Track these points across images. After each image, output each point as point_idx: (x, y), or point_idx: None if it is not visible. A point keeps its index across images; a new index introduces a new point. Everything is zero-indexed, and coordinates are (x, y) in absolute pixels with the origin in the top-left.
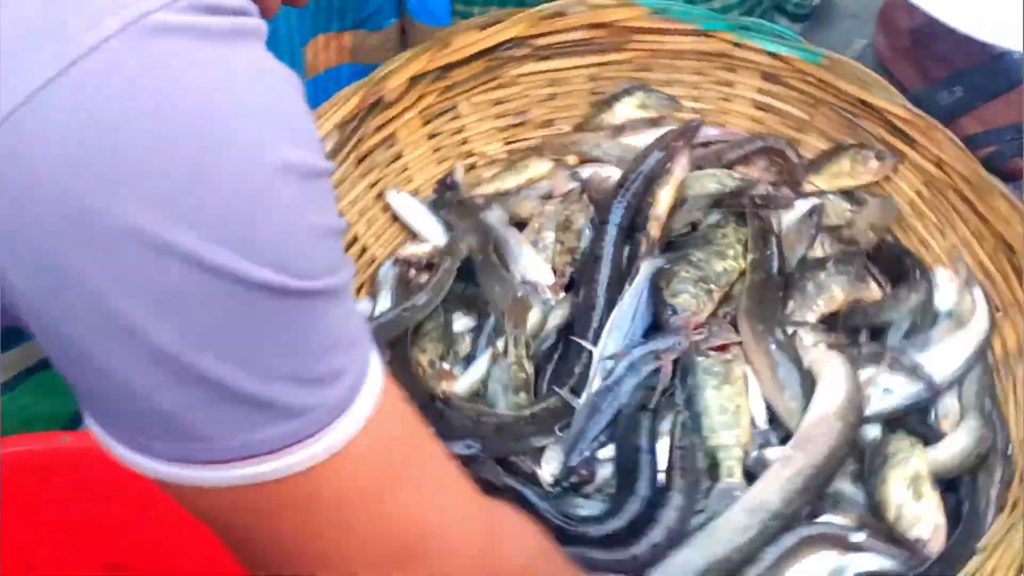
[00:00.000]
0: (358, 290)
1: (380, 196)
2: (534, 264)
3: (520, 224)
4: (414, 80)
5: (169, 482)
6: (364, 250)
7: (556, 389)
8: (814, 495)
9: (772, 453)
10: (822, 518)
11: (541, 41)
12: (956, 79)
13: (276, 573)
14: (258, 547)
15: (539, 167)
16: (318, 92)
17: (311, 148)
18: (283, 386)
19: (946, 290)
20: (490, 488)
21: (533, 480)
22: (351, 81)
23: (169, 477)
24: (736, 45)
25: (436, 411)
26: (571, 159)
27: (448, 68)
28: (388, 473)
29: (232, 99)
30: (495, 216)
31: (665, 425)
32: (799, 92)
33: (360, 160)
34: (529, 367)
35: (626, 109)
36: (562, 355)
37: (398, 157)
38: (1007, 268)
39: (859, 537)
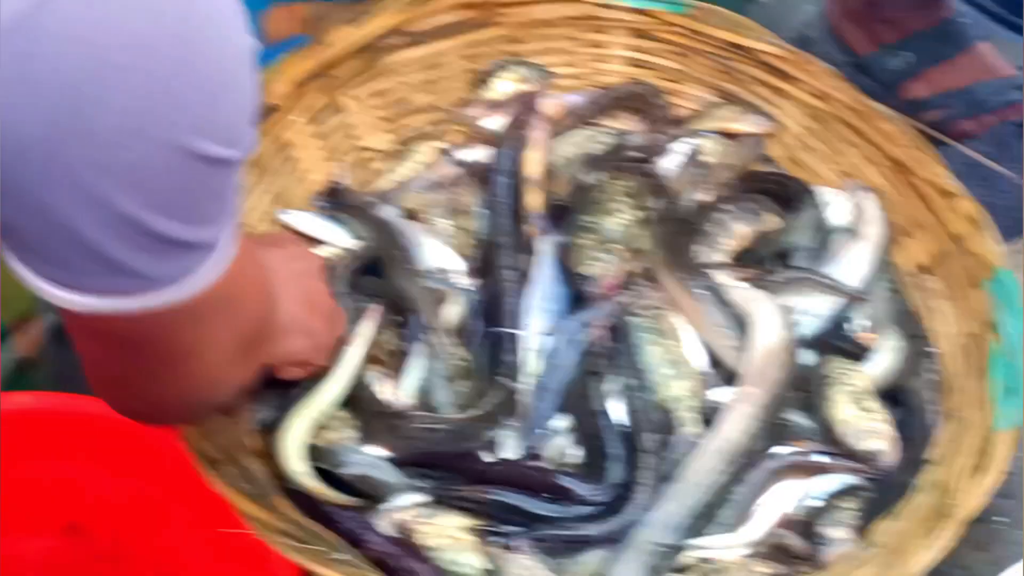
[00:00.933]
0: None
1: (280, 202)
2: (442, 253)
3: (412, 218)
4: (298, 82)
5: (96, 312)
6: None
7: (503, 381)
8: (773, 428)
9: (722, 395)
10: (778, 449)
11: (414, 27)
12: (905, 43)
13: (146, 385)
14: (146, 358)
15: (427, 152)
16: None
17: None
18: (203, 228)
19: (837, 205)
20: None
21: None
22: None
23: (97, 308)
24: (602, 6)
25: (388, 424)
26: (455, 138)
27: (329, 66)
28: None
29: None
30: (392, 212)
31: (613, 387)
32: (670, 44)
33: (255, 168)
34: (463, 353)
35: (504, 84)
36: (488, 346)
37: (292, 161)
38: (902, 186)
39: (820, 459)
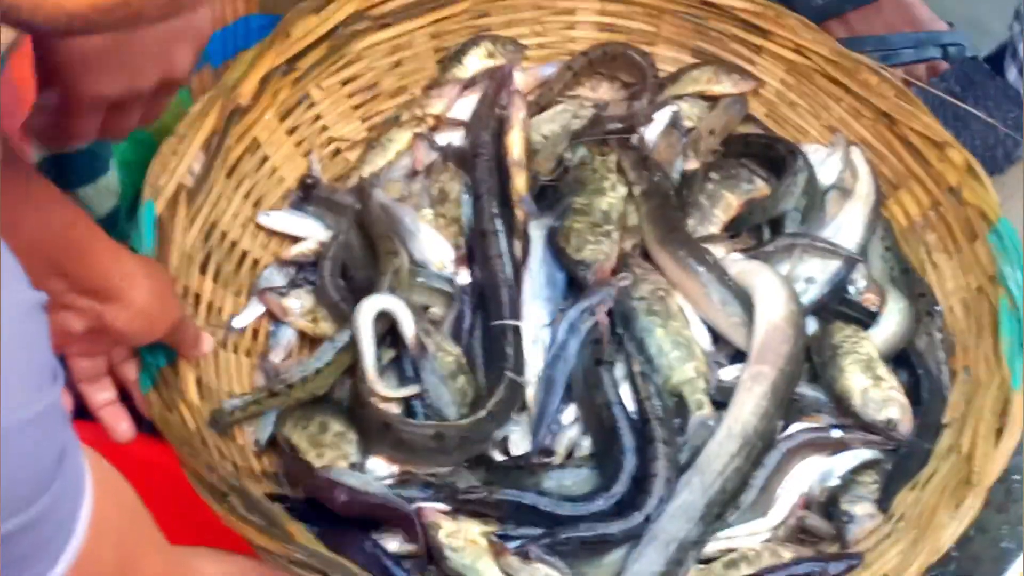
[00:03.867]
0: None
1: (258, 204)
2: (433, 240)
3: None
4: (264, 79)
5: None
6: (256, 263)
7: (508, 375)
8: (786, 405)
9: (729, 374)
10: (793, 427)
11: (378, 10)
12: None
13: None
14: None
15: (403, 138)
16: (227, 44)
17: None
18: None
19: (825, 163)
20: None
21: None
22: (260, 33)
23: None
24: None
25: (394, 438)
26: (429, 122)
27: (294, 59)
28: None
29: None
30: (382, 195)
31: (619, 373)
32: (641, 6)
33: (230, 174)
34: (454, 348)
35: (474, 61)
36: (487, 339)
37: (265, 161)
38: (891, 138)
39: (837, 435)
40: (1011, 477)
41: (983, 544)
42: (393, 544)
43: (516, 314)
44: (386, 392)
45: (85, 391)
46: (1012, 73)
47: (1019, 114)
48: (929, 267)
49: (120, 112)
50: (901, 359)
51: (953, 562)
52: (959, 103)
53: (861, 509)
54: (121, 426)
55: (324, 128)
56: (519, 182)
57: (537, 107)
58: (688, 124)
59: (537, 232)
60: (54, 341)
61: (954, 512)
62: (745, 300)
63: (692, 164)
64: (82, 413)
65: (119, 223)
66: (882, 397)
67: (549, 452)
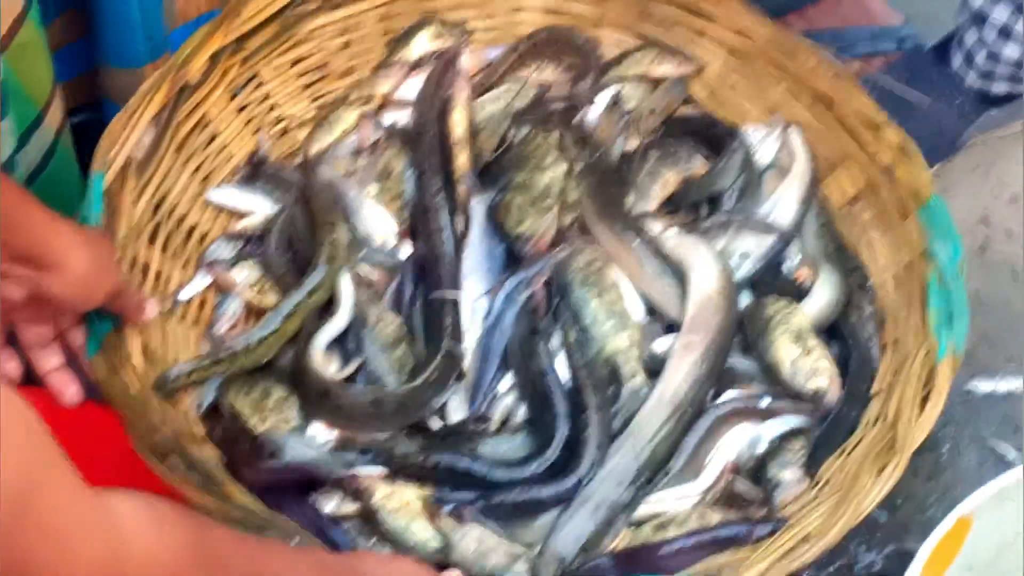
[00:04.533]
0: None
1: (207, 179)
2: (376, 214)
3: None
4: (214, 57)
5: None
6: (204, 236)
7: (446, 344)
8: (718, 374)
9: (662, 344)
10: (724, 395)
11: None
12: None
13: None
14: None
15: (350, 117)
16: None
17: None
18: None
19: (763, 144)
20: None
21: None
22: None
23: None
24: None
25: (333, 404)
26: (376, 102)
27: (244, 38)
28: None
29: None
30: (329, 171)
31: (556, 343)
32: None
33: (179, 148)
34: (394, 318)
35: (421, 43)
36: (426, 309)
37: (214, 137)
38: (829, 119)
39: (766, 402)
40: (940, 448)
41: (910, 511)
42: (330, 505)
43: (456, 286)
44: (330, 372)
45: (33, 357)
46: (957, 61)
47: (963, 101)
48: (864, 244)
49: None
50: (833, 332)
51: (881, 529)
52: (904, 92)
53: (788, 474)
54: (69, 390)
55: (273, 107)
56: (461, 159)
57: (482, 88)
58: (629, 105)
59: (478, 207)
60: None
61: (876, 477)
62: (679, 273)
63: (632, 143)
64: (32, 379)
65: (15, 168)
66: (811, 367)
67: (485, 419)
